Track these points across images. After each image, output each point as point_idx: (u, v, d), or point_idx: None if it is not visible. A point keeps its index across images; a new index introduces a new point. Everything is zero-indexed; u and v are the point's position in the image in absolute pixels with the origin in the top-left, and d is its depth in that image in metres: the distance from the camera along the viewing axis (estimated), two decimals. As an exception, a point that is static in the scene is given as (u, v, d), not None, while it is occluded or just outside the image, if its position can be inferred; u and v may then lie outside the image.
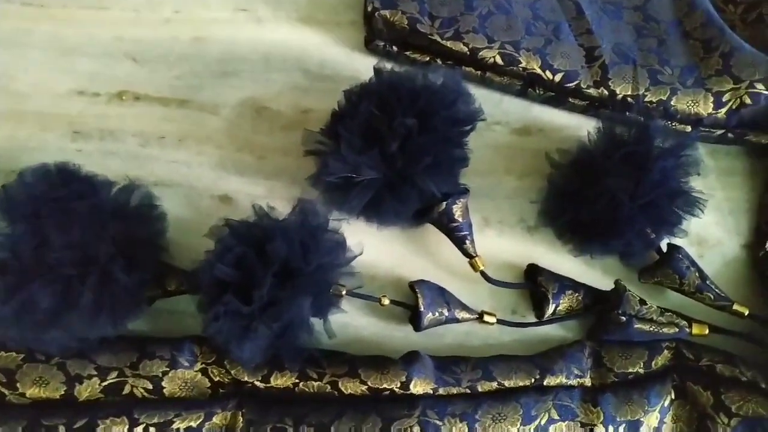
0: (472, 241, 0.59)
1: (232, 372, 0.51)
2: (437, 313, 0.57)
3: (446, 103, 0.54)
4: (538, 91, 0.65)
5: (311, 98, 0.59)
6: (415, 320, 0.57)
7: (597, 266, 0.61)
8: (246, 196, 0.61)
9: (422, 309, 0.56)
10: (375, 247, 0.60)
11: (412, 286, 0.57)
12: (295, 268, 0.49)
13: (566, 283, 0.58)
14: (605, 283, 0.61)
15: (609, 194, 0.54)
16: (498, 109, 0.63)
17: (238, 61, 0.65)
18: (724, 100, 0.60)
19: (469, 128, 0.56)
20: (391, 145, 0.53)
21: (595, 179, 0.56)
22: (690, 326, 0.57)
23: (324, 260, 0.53)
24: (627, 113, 0.62)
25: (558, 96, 0.65)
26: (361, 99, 0.55)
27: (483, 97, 0.61)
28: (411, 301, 0.57)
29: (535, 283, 0.59)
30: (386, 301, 0.57)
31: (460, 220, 0.58)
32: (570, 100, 0.64)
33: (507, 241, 0.62)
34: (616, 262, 0.60)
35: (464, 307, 0.58)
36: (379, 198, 0.56)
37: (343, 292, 0.55)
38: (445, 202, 0.57)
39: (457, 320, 0.58)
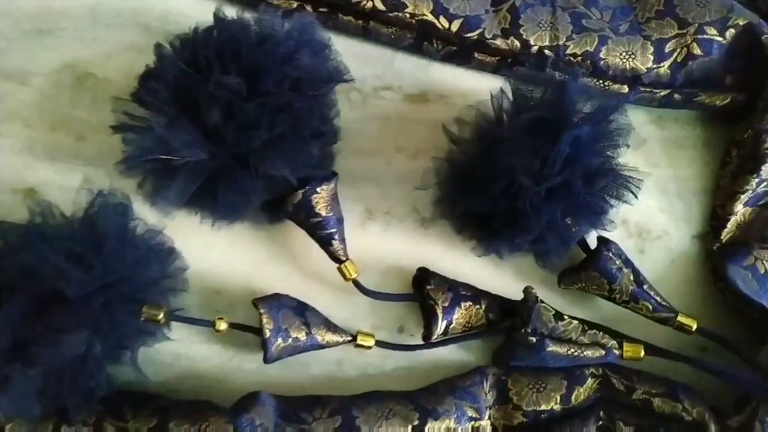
0: (343, 241, 0.45)
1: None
2: (291, 339, 0.43)
3: (284, 57, 0.39)
4: (436, 46, 0.51)
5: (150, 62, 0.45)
6: (264, 350, 0.43)
7: (508, 269, 0.50)
8: (58, 190, 0.48)
9: (267, 335, 0.42)
10: (223, 251, 0.49)
11: (256, 304, 0.43)
12: (64, 290, 0.35)
13: (462, 293, 0.45)
14: (519, 290, 0.48)
15: (509, 176, 0.40)
16: (388, 71, 0.52)
17: (57, 16, 0.52)
18: (666, 50, 0.50)
19: (322, 92, 0.42)
20: (210, 115, 0.38)
21: (496, 157, 0.42)
22: (621, 347, 0.44)
23: (127, 274, 0.39)
24: (545, 70, 0.48)
25: (461, 51, 0.52)
26: (176, 54, 0.41)
27: (370, 55, 0.52)
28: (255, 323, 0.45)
29: (422, 293, 0.45)
30: (222, 326, 0.44)
31: (324, 213, 0.44)
32: (476, 55, 0.52)
33: (395, 239, 0.50)
34: (533, 264, 0.48)
35: (332, 328, 0.45)
36: (212, 187, 0.43)
37: (160, 317, 0.41)
38: (301, 192, 0.43)
39: (321, 345, 0.44)
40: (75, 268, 0.37)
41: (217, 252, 0.49)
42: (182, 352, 0.47)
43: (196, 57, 0.40)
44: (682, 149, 0.54)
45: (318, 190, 0.45)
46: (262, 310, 0.44)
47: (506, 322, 0.47)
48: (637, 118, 0.50)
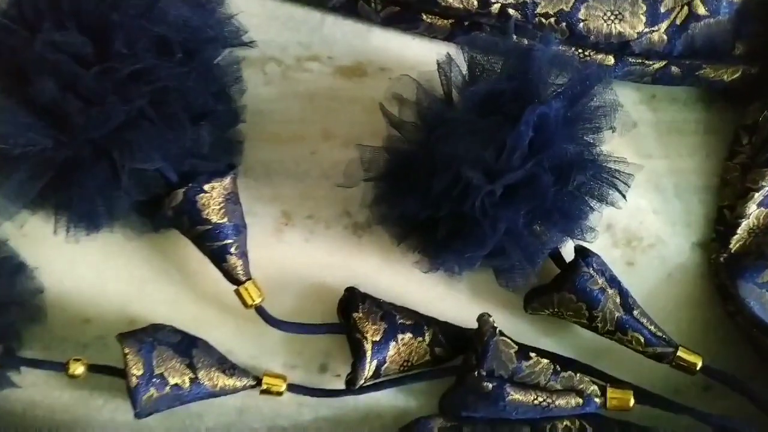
0: (242, 255, 0.36)
1: None
2: (168, 387, 0.32)
3: (144, 7, 0.28)
4: (374, 5, 0.42)
5: None
6: (131, 402, 0.31)
7: (462, 288, 0.41)
8: None
9: (134, 383, 0.31)
10: (94, 268, 0.39)
11: (121, 341, 0.32)
12: None
13: (401, 321, 0.35)
14: (475, 316, 0.38)
15: (454, 170, 0.29)
16: (316, 37, 0.43)
17: None
18: (662, 9, 0.40)
19: (205, 57, 0.31)
20: (41, 86, 0.27)
21: (441, 145, 0.31)
22: (604, 393, 0.34)
23: None
24: (509, 35, 0.37)
25: (405, 11, 0.42)
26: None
27: (293, 17, 0.43)
28: None
29: (348, 322, 0.34)
30: (79, 369, 0.33)
31: (215, 219, 0.34)
32: (424, 17, 0.42)
33: (320, 250, 0.41)
34: (494, 282, 0.39)
35: (228, 370, 0.36)
36: (66, 183, 0.34)
37: None
38: (181, 191, 0.33)
39: (212, 393, 0.33)
40: None
41: (86, 268, 0.39)
42: (38, 400, 0.38)
43: (21, 8, 0.29)
44: (680, 136, 0.45)
45: (205, 188, 0.34)
46: (127, 350, 0.33)
47: (457, 358, 0.35)
48: (624, 97, 0.39)
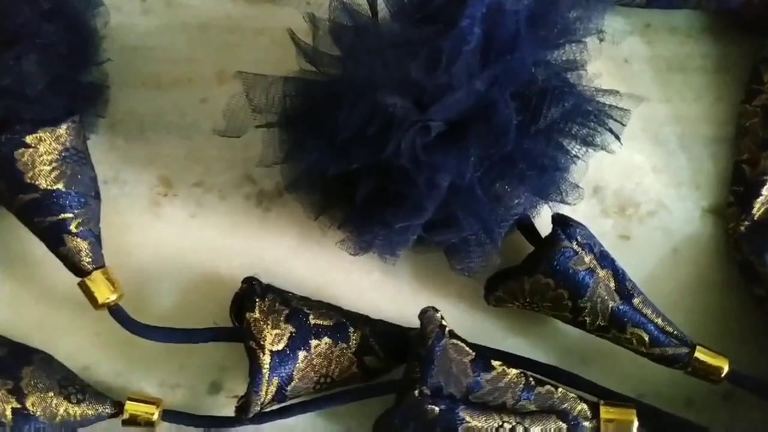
0: (91, 235, 0.28)
1: None
2: None
3: None
4: None
5: None
6: None
7: (403, 275, 0.32)
8: None
9: None
10: None
11: None
12: None
13: (313, 321, 0.26)
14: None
15: (371, 100, 0.19)
16: None
17: None
18: None
19: None
20: None
21: (357, 70, 0.21)
22: (596, 414, 0.25)
23: None
24: None
25: None
26: None
27: None
28: None
29: (242, 325, 0.24)
30: None
31: (44, 184, 0.25)
32: None
33: (212, 229, 0.32)
34: (444, 265, 0.30)
35: (75, 393, 0.26)
36: None
37: None
38: None
39: (50, 429, 0.23)
40: None
41: None
42: None
43: None
44: (683, 74, 0.36)
45: (28, 140, 0.24)
46: None
47: (397, 369, 0.26)
48: (611, 28, 0.29)
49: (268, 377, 0.26)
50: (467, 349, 0.26)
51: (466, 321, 0.31)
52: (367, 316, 0.29)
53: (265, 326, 0.27)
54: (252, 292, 0.28)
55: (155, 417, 0.27)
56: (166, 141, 0.33)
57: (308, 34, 0.29)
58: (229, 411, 0.29)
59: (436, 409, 0.25)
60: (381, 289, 0.32)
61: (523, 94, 0.24)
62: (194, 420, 0.28)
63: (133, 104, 0.33)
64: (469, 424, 0.26)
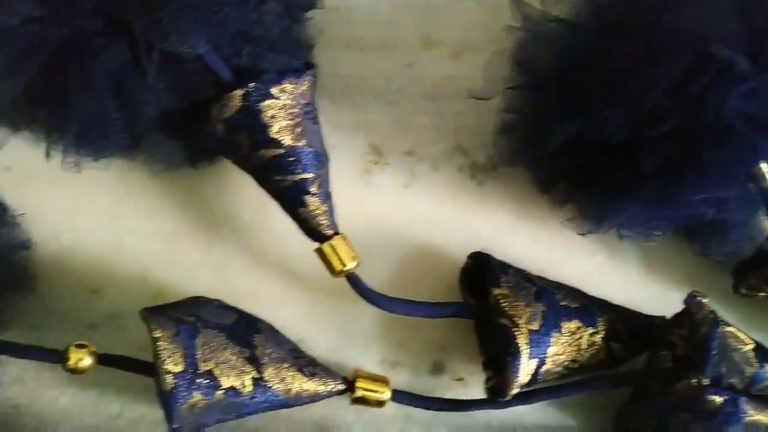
0: (327, 198, 0.26)
1: None
2: (219, 392, 0.21)
3: None
4: None
5: None
6: (164, 412, 0.20)
7: (630, 258, 0.30)
8: None
9: (168, 384, 0.20)
10: (104, 215, 0.29)
11: (147, 318, 0.20)
12: None
13: (563, 304, 0.24)
14: (653, 301, 0.28)
15: (690, 53, 0.17)
16: None
17: None
18: None
19: None
20: None
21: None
22: None
23: None
24: None
25: None
26: None
27: None
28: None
29: (484, 302, 0.23)
30: (84, 360, 0.24)
31: (288, 140, 0.25)
32: None
33: (424, 201, 0.31)
34: (681, 247, 0.28)
35: (308, 368, 0.25)
36: (66, 77, 0.24)
37: None
38: (240, 93, 0.23)
39: (284, 403, 0.24)
40: None
41: (94, 217, 0.28)
42: (25, 403, 0.27)
43: None
44: None
45: (273, 92, 0.23)
46: (158, 334, 0.22)
47: (643, 357, 0.26)
48: None
49: (525, 359, 0.24)
50: (745, 337, 0.24)
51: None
52: (607, 301, 0.27)
53: (516, 303, 0.25)
54: (491, 267, 0.26)
55: (385, 397, 0.26)
56: (372, 106, 0.31)
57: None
58: (453, 393, 0.28)
59: (719, 399, 0.23)
60: (606, 273, 0.30)
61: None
62: (426, 402, 0.26)
63: (338, 66, 0.31)
64: (753, 418, 0.24)
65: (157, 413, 0.27)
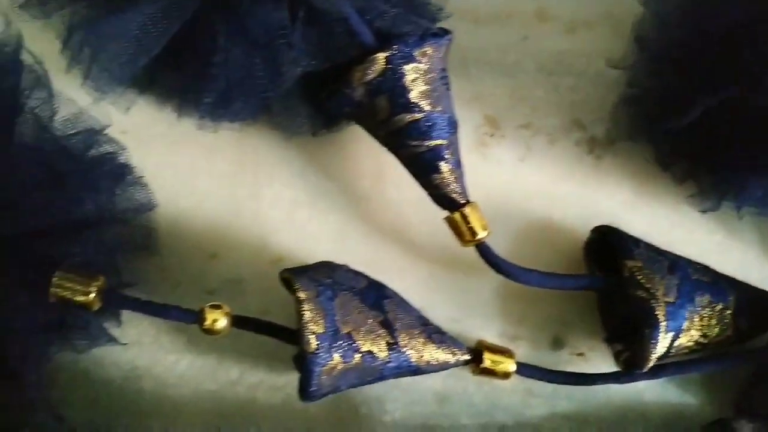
0: (459, 165, 0.25)
1: None
2: (358, 355, 0.21)
3: None
4: None
5: None
6: (302, 375, 0.20)
7: (751, 238, 0.30)
8: None
9: (313, 345, 0.20)
10: (221, 179, 0.29)
11: (289, 279, 0.21)
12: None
13: (695, 278, 0.23)
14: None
15: None
16: None
17: None
18: None
19: None
20: None
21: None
22: None
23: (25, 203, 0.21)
24: None
25: None
26: None
27: None
28: (287, 320, 0.24)
29: (615, 273, 0.23)
30: (219, 321, 0.22)
31: (426, 105, 0.23)
32: None
33: (541, 175, 0.30)
34: None
35: (435, 336, 0.24)
36: (199, 44, 0.24)
37: (90, 296, 0.19)
38: (383, 55, 0.21)
39: (416, 369, 0.23)
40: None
41: (212, 181, 0.27)
42: (143, 367, 0.27)
43: None
44: None
45: (416, 55, 0.22)
46: (303, 295, 0.21)
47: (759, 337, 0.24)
48: None
49: (665, 330, 0.24)
50: None
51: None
52: (733, 277, 0.27)
53: (652, 275, 0.25)
54: (621, 240, 0.26)
55: (511, 369, 0.26)
56: (488, 79, 0.31)
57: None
58: (573, 368, 0.28)
59: None
60: (724, 252, 0.30)
61: None
62: (550, 375, 0.26)
63: (453, 38, 0.31)
64: None
65: (275, 379, 0.28)
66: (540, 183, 0.30)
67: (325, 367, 0.23)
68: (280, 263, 0.28)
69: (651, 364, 0.24)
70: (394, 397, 0.27)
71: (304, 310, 0.23)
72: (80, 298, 0.22)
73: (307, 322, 0.23)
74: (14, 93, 0.22)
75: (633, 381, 0.26)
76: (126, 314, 0.25)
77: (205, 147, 0.28)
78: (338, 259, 0.27)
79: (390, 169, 0.29)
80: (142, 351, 0.27)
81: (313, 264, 0.25)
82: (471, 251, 0.26)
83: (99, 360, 0.27)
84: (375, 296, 0.25)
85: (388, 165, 0.28)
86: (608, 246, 0.26)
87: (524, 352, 0.28)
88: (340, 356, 0.23)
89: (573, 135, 0.30)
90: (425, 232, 0.28)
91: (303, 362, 0.23)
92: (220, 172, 0.29)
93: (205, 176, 0.29)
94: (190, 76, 0.24)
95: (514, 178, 0.30)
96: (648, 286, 0.25)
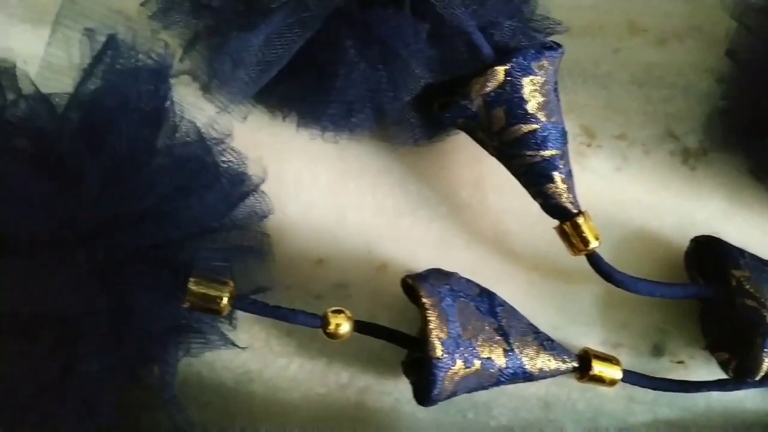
0: (570, 176, 0.25)
1: None
2: (476, 361, 0.21)
3: None
4: None
5: None
6: (422, 379, 0.21)
7: None
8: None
9: (438, 351, 0.21)
10: (331, 188, 0.30)
11: (413, 285, 0.21)
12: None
13: None
14: None
15: None
16: None
17: None
18: None
19: None
20: None
21: None
22: None
23: (156, 208, 0.22)
24: None
25: None
26: None
27: None
28: (408, 327, 0.26)
29: (722, 283, 0.24)
30: (343, 326, 0.23)
31: (542, 117, 0.23)
32: None
33: (636, 184, 0.31)
34: None
35: (545, 344, 0.24)
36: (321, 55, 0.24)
37: (223, 302, 0.19)
38: (503, 68, 0.22)
39: (528, 375, 0.23)
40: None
41: (318, 189, 0.28)
42: (254, 371, 0.28)
43: None
44: None
45: (534, 68, 0.23)
46: (427, 301, 0.22)
47: None
48: None
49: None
50: None
51: None
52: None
53: (759, 285, 0.26)
54: (726, 250, 0.27)
55: (618, 376, 0.26)
56: (582, 89, 0.32)
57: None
58: (674, 376, 0.28)
59: None
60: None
61: None
62: (655, 382, 0.27)
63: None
64: None
65: (383, 384, 0.28)
66: (636, 193, 0.31)
67: (447, 373, 0.24)
68: (385, 270, 0.29)
69: (763, 372, 0.25)
70: (501, 402, 0.28)
71: (430, 317, 0.23)
72: (216, 304, 0.23)
73: (432, 329, 0.23)
74: (162, 102, 0.22)
75: (741, 389, 0.26)
76: (241, 319, 0.26)
77: (309, 158, 0.29)
78: (440, 266, 0.27)
79: (490, 177, 0.30)
80: (254, 355, 0.28)
81: (428, 270, 0.26)
82: (570, 259, 0.27)
83: (211, 363, 0.28)
84: (488, 303, 0.26)
85: (488, 173, 0.29)
86: (708, 255, 0.27)
87: (625, 359, 0.28)
88: (462, 362, 0.24)
89: (667, 145, 0.31)
90: (525, 239, 0.29)
91: (427, 368, 0.23)
92: (323, 183, 0.30)
93: (310, 186, 0.29)
94: (312, 87, 0.25)
95: (611, 187, 0.31)
96: (757, 295, 0.25)
